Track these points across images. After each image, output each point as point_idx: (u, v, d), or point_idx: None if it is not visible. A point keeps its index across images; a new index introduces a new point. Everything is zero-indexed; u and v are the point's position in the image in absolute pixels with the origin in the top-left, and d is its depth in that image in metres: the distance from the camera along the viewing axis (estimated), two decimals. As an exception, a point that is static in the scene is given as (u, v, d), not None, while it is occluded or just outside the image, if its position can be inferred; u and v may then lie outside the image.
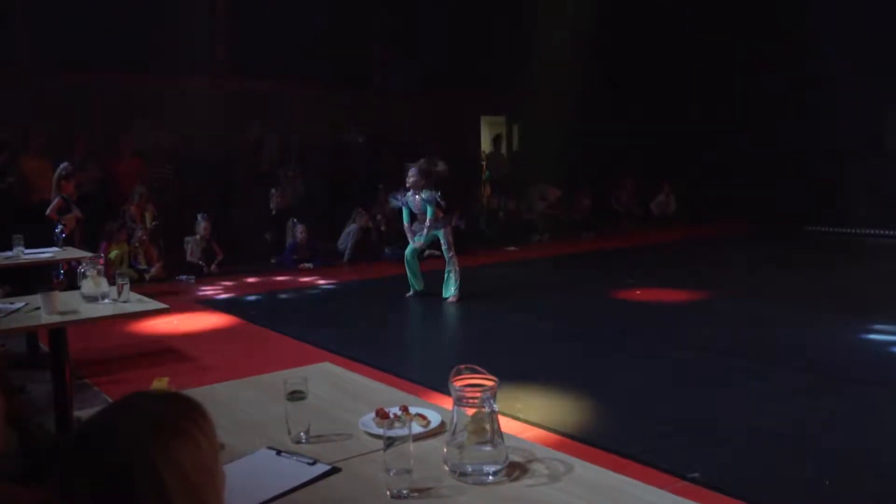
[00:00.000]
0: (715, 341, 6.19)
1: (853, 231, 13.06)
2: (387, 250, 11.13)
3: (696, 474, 3.57)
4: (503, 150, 15.17)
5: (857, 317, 6.90)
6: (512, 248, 12.05)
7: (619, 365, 5.68)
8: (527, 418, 4.37)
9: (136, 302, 4.05)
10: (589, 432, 4.18)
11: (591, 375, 5.39)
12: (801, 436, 4.13)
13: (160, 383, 2.14)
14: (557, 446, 3.81)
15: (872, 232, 12.88)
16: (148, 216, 10.02)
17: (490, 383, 1.82)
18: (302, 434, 2.02)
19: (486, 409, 1.79)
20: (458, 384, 1.83)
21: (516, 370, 5.30)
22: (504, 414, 1.88)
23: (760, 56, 13.67)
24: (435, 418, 2.09)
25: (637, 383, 5.16)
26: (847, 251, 11.79)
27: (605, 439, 4.05)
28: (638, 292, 8.41)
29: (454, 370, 1.86)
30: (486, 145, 15.39)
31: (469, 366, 1.87)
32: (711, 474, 3.58)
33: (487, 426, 1.78)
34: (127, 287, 4.05)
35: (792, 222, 13.40)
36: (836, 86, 12.62)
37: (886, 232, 12.74)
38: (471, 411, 1.80)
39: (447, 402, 1.93)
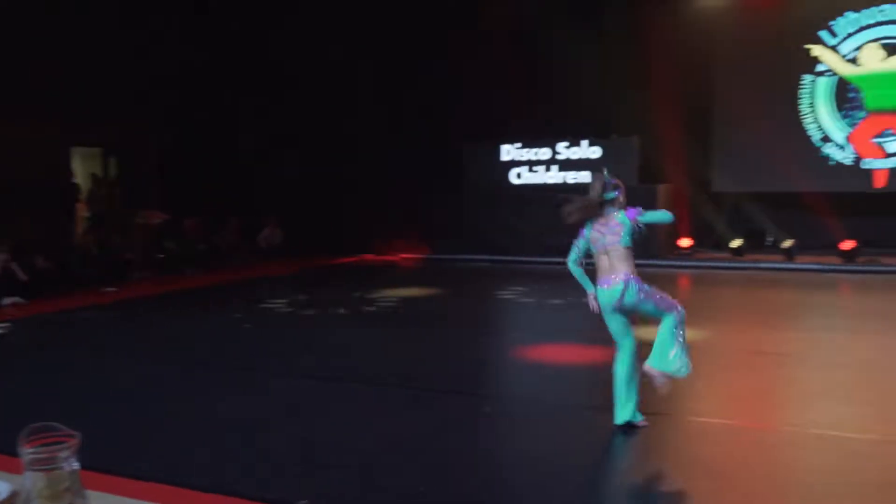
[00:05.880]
0: (315, 368, 6.42)
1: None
2: None
3: (305, 501, 3.63)
4: (102, 187, 14.10)
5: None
6: (111, 290, 11.05)
7: (228, 398, 5.56)
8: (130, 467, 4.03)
9: None
10: (199, 474, 4.00)
11: (200, 411, 5.22)
12: (407, 448, 4.46)
13: None
14: (167, 495, 3.62)
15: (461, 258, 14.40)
16: None
17: (70, 440, 1.66)
18: None
19: (66, 469, 1.63)
20: (29, 446, 1.63)
21: (110, 419, 4.94)
22: (88, 469, 1.73)
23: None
24: (2, 489, 1.84)
25: (246, 415, 5.10)
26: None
27: (216, 480, 3.92)
28: (247, 326, 8.39)
29: (25, 430, 1.66)
30: (80, 178, 14.09)
31: (45, 423, 1.69)
32: (321, 499, 3.69)
33: (66, 488, 1.62)
34: None
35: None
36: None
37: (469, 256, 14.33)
38: (48, 474, 1.62)
39: (19, 468, 1.71)
